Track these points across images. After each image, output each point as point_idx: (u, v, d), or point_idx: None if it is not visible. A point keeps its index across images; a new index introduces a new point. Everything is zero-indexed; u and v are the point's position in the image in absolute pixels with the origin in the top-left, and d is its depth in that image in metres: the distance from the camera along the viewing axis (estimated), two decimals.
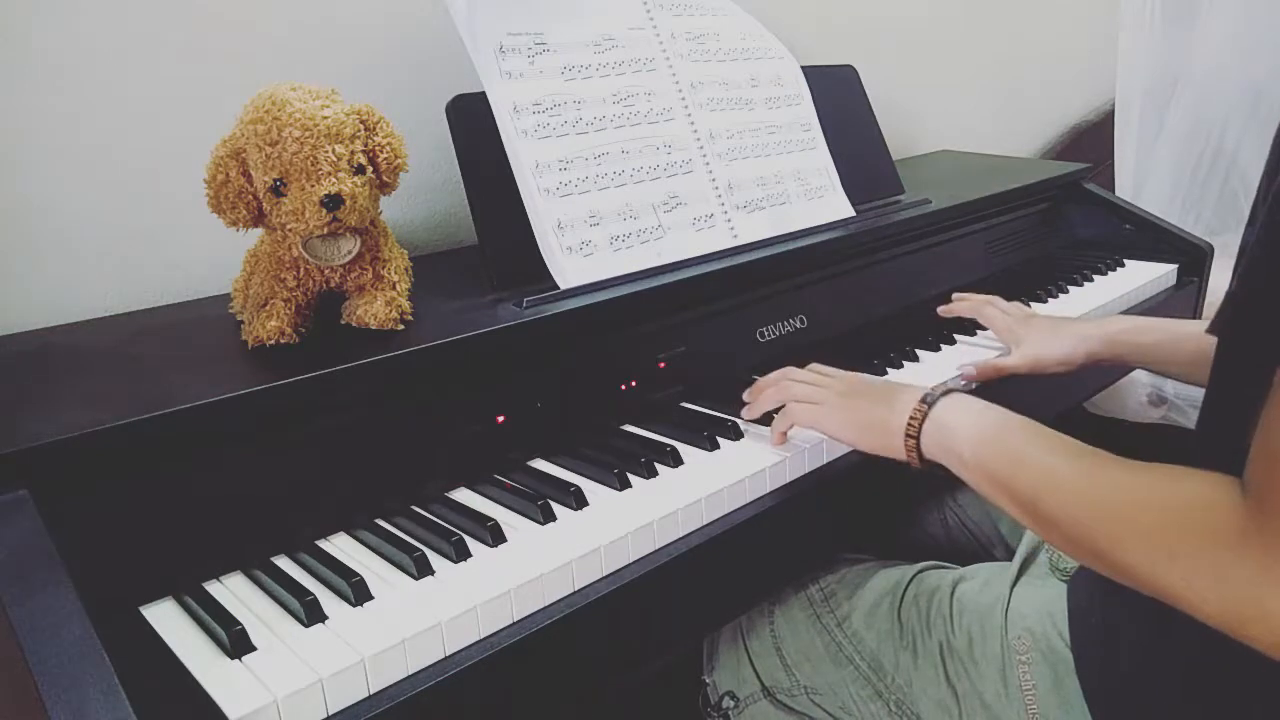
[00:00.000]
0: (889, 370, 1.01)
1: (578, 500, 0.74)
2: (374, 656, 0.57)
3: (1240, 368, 0.61)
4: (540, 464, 0.83)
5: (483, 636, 0.62)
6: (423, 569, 0.66)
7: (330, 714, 0.56)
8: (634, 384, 0.91)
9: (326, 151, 0.74)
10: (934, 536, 1.10)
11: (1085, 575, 0.77)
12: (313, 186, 0.74)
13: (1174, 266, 1.40)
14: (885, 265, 1.17)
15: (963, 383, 1.01)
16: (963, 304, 1.11)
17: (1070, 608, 0.76)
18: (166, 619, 0.62)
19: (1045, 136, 2.14)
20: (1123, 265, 1.41)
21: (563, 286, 0.89)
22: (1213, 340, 0.64)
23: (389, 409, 0.76)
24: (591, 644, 0.69)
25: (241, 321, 0.81)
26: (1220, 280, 1.43)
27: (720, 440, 0.85)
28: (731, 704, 0.95)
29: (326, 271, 0.80)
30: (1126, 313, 1.27)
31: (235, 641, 0.58)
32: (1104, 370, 1.34)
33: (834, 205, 1.14)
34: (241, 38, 0.99)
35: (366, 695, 0.57)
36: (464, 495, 0.78)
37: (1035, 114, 2.11)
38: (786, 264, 1.04)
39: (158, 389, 0.69)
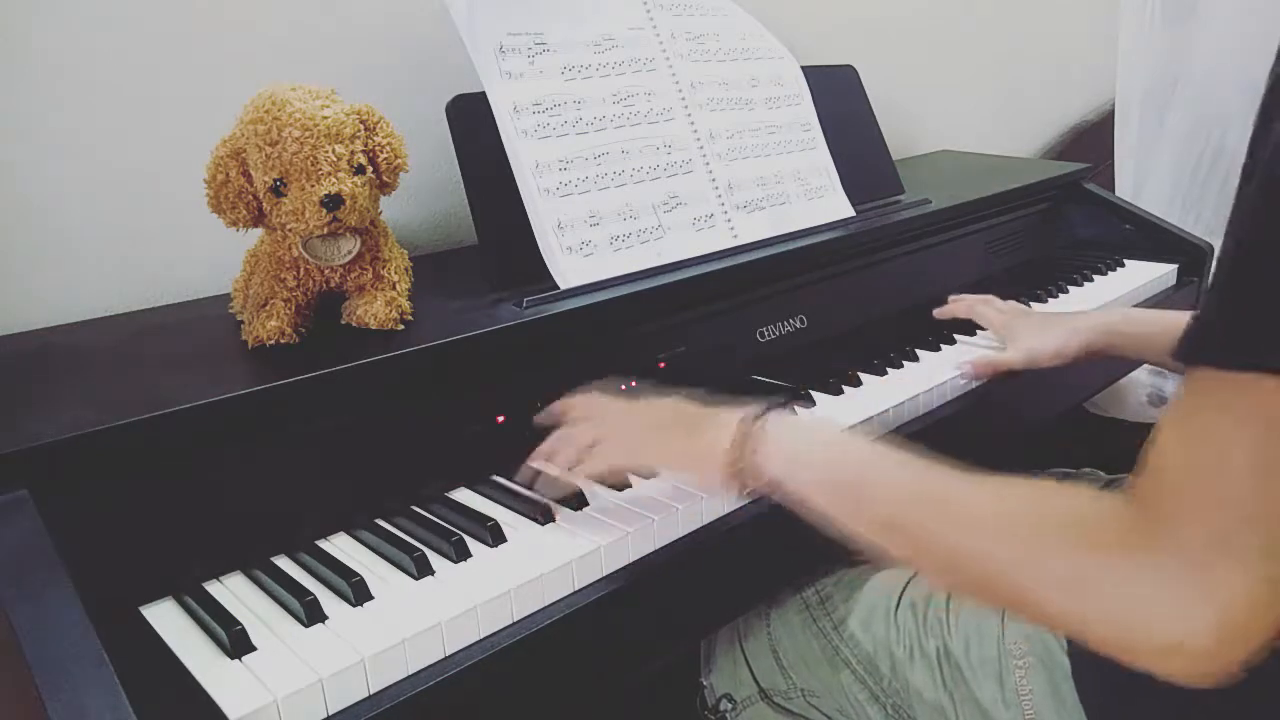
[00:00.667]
0: (889, 370, 1.01)
1: (578, 500, 0.74)
2: (374, 656, 0.57)
3: None
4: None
5: (483, 636, 0.62)
6: (423, 569, 0.66)
7: (330, 714, 0.56)
8: (634, 384, 0.91)
9: (326, 151, 0.74)
10: None
11: None
12: (313, 186, 0.74)
13: (1174, 266, 1.40)
14: (885, 265, 1.17)
15: (962, 380, 1.01)
16: (959, 305, 1.11)
17: None
18: (166, 619, 0.62)
19: (1045, 136, 2.14)
20: (1123, 265, 1.41)
21: (563, 286, 0.89)
22: None
23: (389, 409, 0.76)
24: (591, 644, 0.69)
25: (241, 321, 0.81)
26: None
27: None
28: (729, 706, 0.95)
29: (326, 271, 0.80)
30: None
31: (235, 641, 0.58)
32: (1104, 370, 1.34)
33: (834, 205, 1.14)
34: (241, 38, 0.99)
35: (366, 695, 0.57)
36: (464, 495, 0.78)
37: (1035, 114, 2.11)
38: (786, 264, 1.04)
39: (158, 389, 0.69)
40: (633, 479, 0.78)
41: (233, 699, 0.54)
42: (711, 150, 1.04)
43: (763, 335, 1.02)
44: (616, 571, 0.69)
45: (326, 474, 0.73)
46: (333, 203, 0.74)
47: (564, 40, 0.96)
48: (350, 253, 0.79)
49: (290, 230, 0.76)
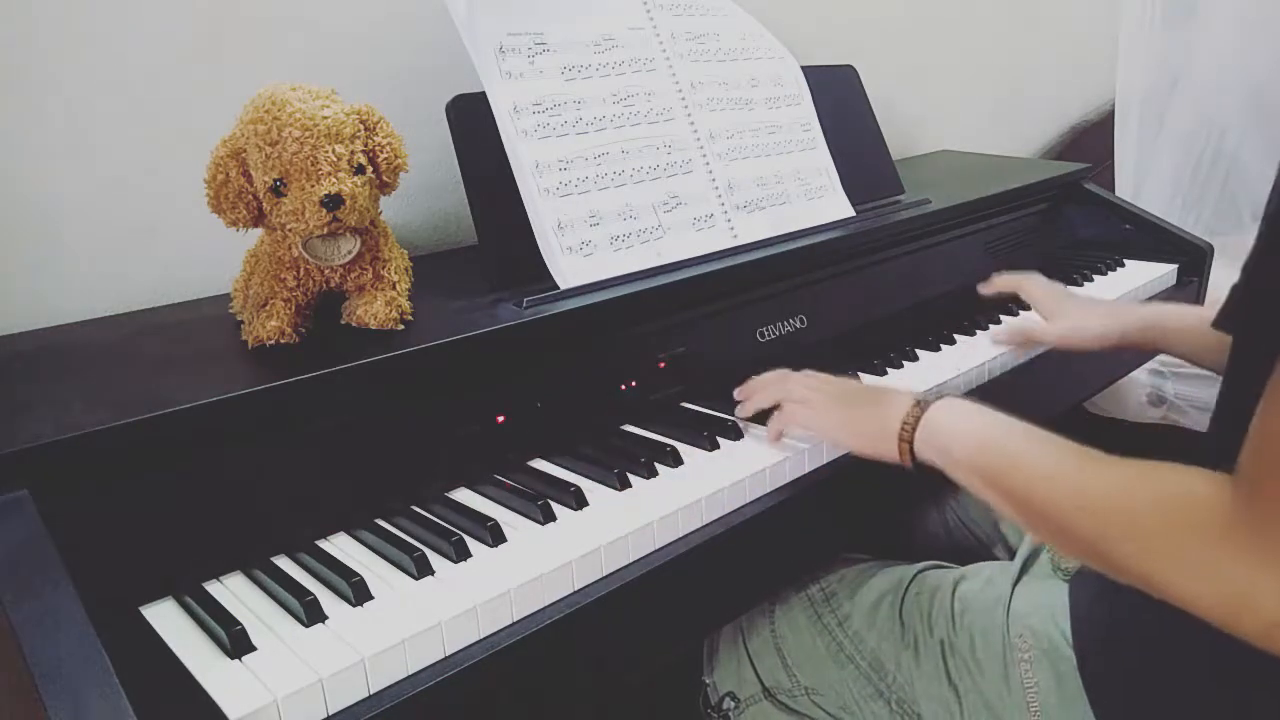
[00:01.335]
0: (889, 370, 1.01)
1: (578, 500, 0.74)
2: (374, 656, 0.57)
3: (1245, 361, 0.61)
4: (540, 464, 0.83)
5: (483, 636, 0.62)
6: (423, 569, 0.66)
7: (330, 714, 0.55)
8: (634, 384, 0.91)
9: (326, 151, 0.74)
10: (935, 536, 1.10)
11: (1087, 574, 0.77)
12: (313, 186, 0.74)
13: (1174, 266, 1.40)
14: (885, 265, 1.17)
15: (997, 348, 1.02)
16: (1003, 280, 1.12)
17: (1072, 606, 0.76)
18: (166, 619, 0.62)
19: (1045, 136, 2.14)
20: (1123, 265, 1.41)
21: (563, 286, 0.89)
22: None
23: (389, 409, 0.76)
24: (591, 644, 0.69)
25: (241, 321, 0.81)
26: (1220, 280, 1.43)
27: (720, 440, 0.85)
28: (732, 705, 0.95)
29: (326, 271, 0.80)
30: None
31: (235, 641, 0.58)
32: (1104, 370, 1.34)
33: (834, 205, 1.14)
34: (242, 37, 0.99)
35: (366, 695, 0.57)
36: (464, 495, 0.78)
37: (1035, 114, 2.11)
38: (786, 264, 1.04)
39: (158, 389, 0.69)
40: (633, 478, 0.78)
41: (233, 699, 0.53)
42: (711, 150, 1.04)
43: (763, 335, 1.02)
44: (617, 571, 0.69)
45: (326, 474, 0.73)
46: (333, 203, 0.74)
47: (564, 40, 0.96)
48: (350, 253, 0.79)
49: (290, 230, 0.76)
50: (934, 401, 0.75)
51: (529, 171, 0.89)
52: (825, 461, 0.84)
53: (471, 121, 0.90)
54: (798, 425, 0.82)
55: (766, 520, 0.78)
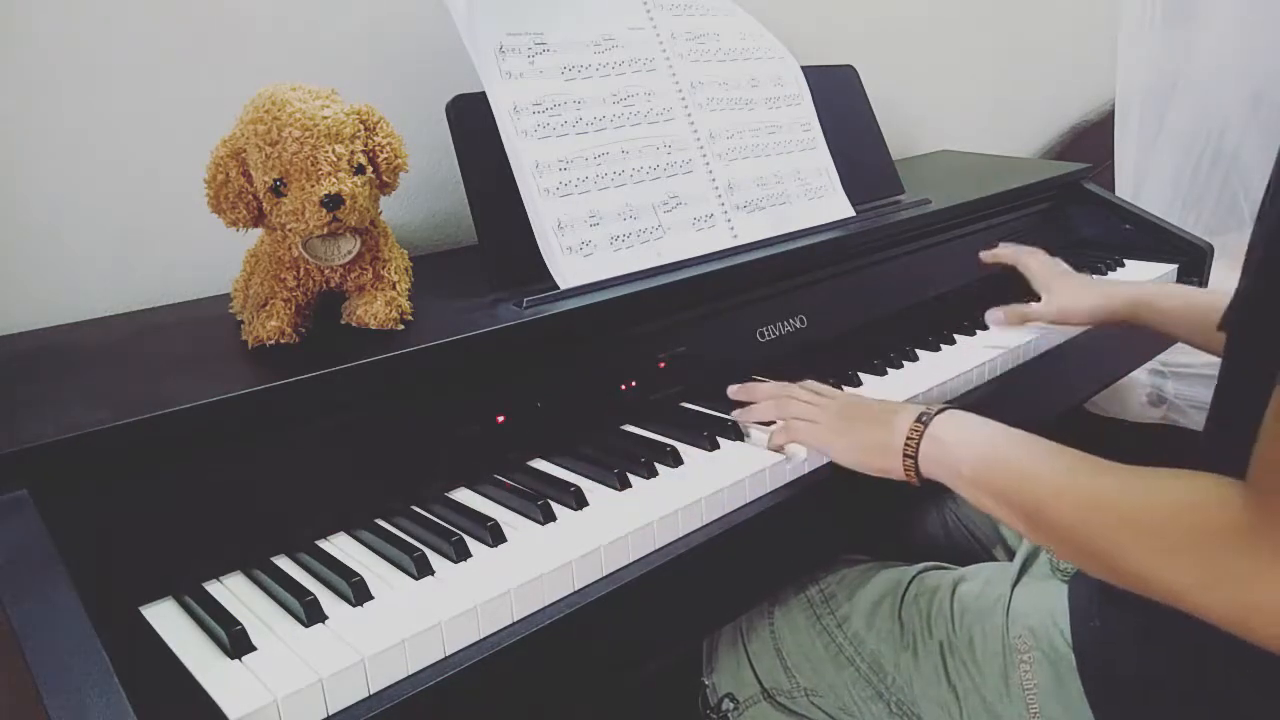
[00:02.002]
0: (889, 370, 1.01)
1: (578, 500, 0.74)
2: (374, 656, 0.57)
3: (1249, 363, 0.61)
4: (540, 464, 0.83)
5: (483, 636, 0.62)
6: (423, 569, 0.66)
7: (330, 714, 0.55)
8: (634, 384, 0.91)
9: (326, 151, 0.74)
10: (934, 537, 1.10)
11: (1086, 576, 0.77)
12: (313, 186, 0.74)
13: (1174, 266, 1.40)
14: (885, 265, 1.17)
15: (996, 326, 1.04)
16: (1005, 250, 1.13)
17: (1071, 608, 0.76)
18: (166, 619, 0.62)
19: (1045, 136, 2.14)
20: (1123, 265, 1.41)
21: (563, 286, 0.89)
22: None
23: (389, 409, 0.76)
24: (591, 644, 0.69)
25: (241, 321, 0.81)
26: (1220, 280, 1.43)
27: (720, 440, 0.85)
28: (731, 706, 0.95)
29: (326, 271, 0.80)
30: None
31: (235, 641, 0.58)
32: (1104, 370, 1.34)
33: (834, 205, 1.14)
34: (241, 38, 0.99)
35: (366, 695, 0.57)
36: (464, 495, 0.78)
37: (1035, 114, 2.11)
38: (786, 264, 1.04)
39: (158, 389, 0.69)
40: (633, 478, 0.78)
41: (233, 699, 0.53)
42: (711, 150, 1.04)
43: (763, 335, 1.02)
44: (617, 571, 0.69)
45: (326, 474, 0.73)
46: (333, 203, 0.74)
47: (564, 40, 0.96)
48: (350, 253, 0.79)
49: (290, 230, 0.76)
50: (936, 416, 0.74)
51: (529, 171, 0.89)
52: (825, 462, 0.84)
53: (471, 121, 0.90)
54: (800, 443, 0.82)
55: (766, 520, 0.78)
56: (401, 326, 0.81)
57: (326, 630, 0.60)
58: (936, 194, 1.26)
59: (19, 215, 0.89)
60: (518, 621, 0.64)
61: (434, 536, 0.69)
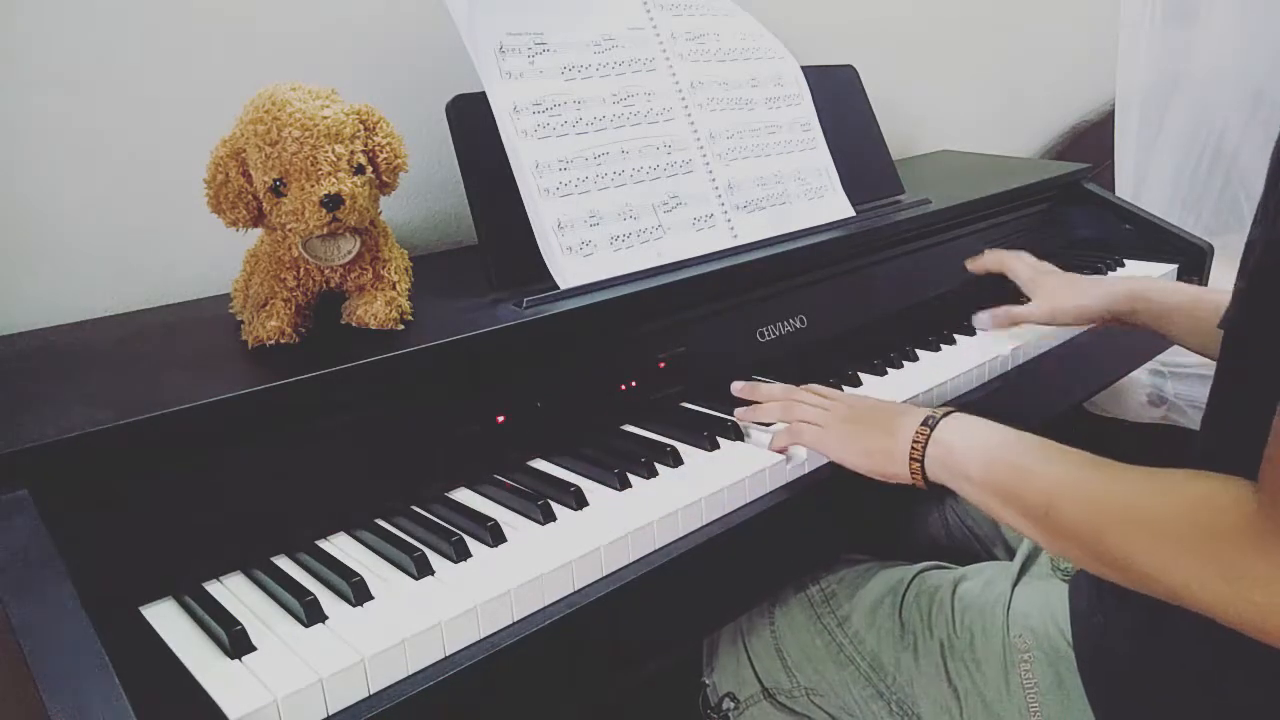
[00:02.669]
0: (889, 370, 1.01)
1: (578, 500, 0.74)
2: (374, 656, 0.57)
3: (1248, 363, 0.60)
4: (540, 464, 0.83)
5: (483, 636, 0.62)
6: (423, 569, 0.66)
7: (330, 714, 0.55)
8: (634, 384, 0.91)
9: (326, 151, 0.74)
10: (934, 536, 1.10)
11: (1087, 575, 0.77)
12: (313, 186, 0.74)
13: (1174, 266, 1.40)
14: (885, 265, 1.17)
15: (983, 331, 1.04)
16: (991, 257, 1.13)
17: (1072, 607, 0.76)
18: (166, 619, 0.62)
19: (1045, 136, 2.14)
20: (1123, 265, 1.41)
21: (563, 286, 0.89)
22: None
23: (389, 409, 0.76)
24: (591, 644, 0.69)
25: (241, 321, 0.81)
26: (1220, 280, 1.43)
27: (720, 440, 0.85)
28: (731, 705, 0.95)
29: (326, 271, 0.80)
30: None
31: (235, 641, 0.58)
32: (1104, 370, 1.34)
33: (834, 205, 1.14)
34: (241, 37, 0.99)
35: (366, 695, 0.57)
36: (464, 495, 0.78)
37: (1035, 114, 2.11)
38: (786, 264, 1.04)
39: (158, 389, 0.69)
40: (633, 478, 0.78)
41: (233, 699, 0.53)
42: (711, 150, 1.04)
43: (763, 335, 1.02)
44: (617, 571, 0.69)
45: (326, 474, 0.73)
46: (333, 203, 0.74)
47: (564, 40, 0.96)
48: (350, 253, 0.79)
49: (290, 230, 0.76)
50: (941, 420, 0.74)
51: (529, 171, 0.89)
52: (825, 461, 0.84)
53: (471, 121, 0.90)
54: (804, 445, 0.82)
55: (766, 520, 0.78)
56: (401, 326, 0.81)
57: (326, 630, 0.60)
58: (936, 194, 1.26)
59: (19, 215, 0.89)
60: (518, 621, 0.64)
61: (434, 536, 0.69)
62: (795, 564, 0.89)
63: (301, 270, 0.79)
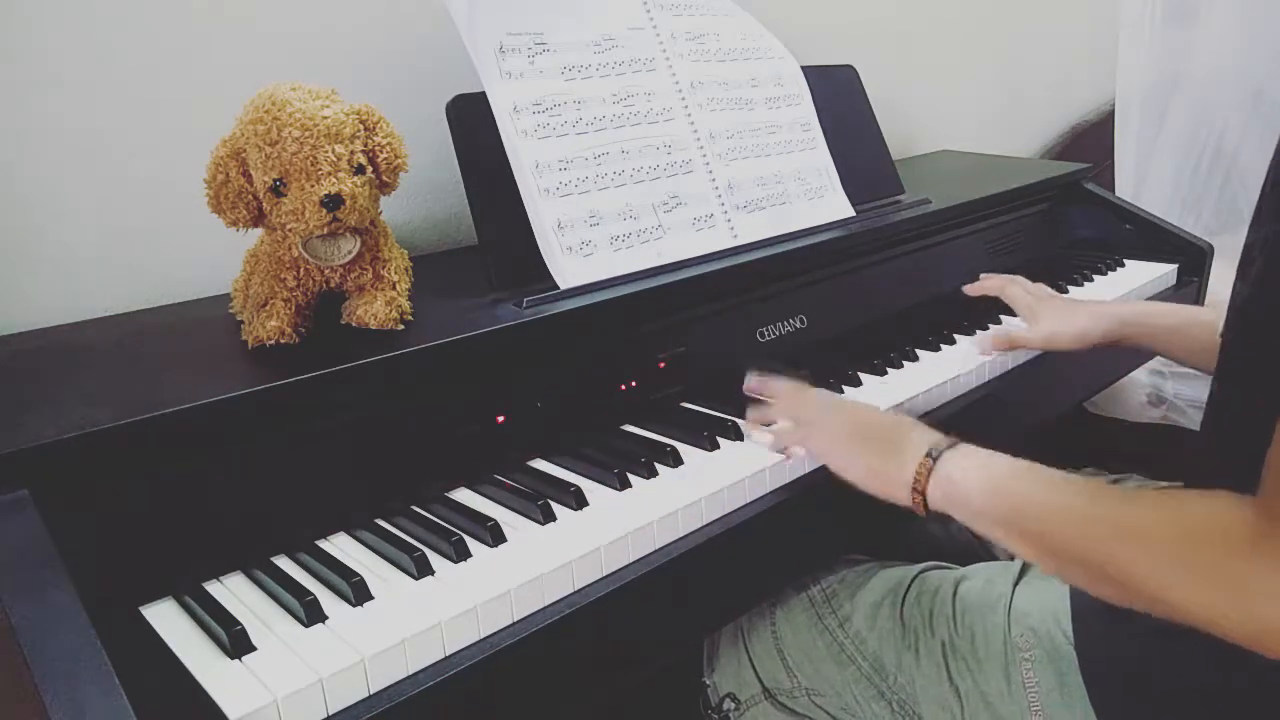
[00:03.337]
0: (889, 370, 1.01)
1: (578, 500, 0.74)
2: (374, 656, 0.57)
3: (1252, 374, 0.60)
4: (540, 464, 0.83)
5: (482, 636, 0.62)
6: (423, 569, 0.66)
7: (330, 714, 0.55)
8: (634, 384, 0.91)
9: (326, 151, 0.74)
10: (934, 536, 1.10)
11: None
12: (313, 186, 0.74)
13: (1174, 266, 1.40)
14: (885, 265, 1.17)
15: (982, 356, 1.03)
16: (989, 283, 1.13)
17: (1073, 607, 0.76)
18: (166, 619, 0.62)
19: (1045, 136, 2.14)
20: (1123, 265, 1.41)
21: (563, 286, 0.89)
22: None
23: (389, 409, 0.76)
24: (591, 644, 0.69)
25: (241, 321, 0.81)
26: (1220, 280, 1.43)
27: (720, 440, 0.85)
28: (732, 706, 0.95)
29: (326, 271, 0.80)
30: None
31: (235, 641, 0.58)
32: (1104, 370, 1.34)
33: (834, 205, 1.14)
34: (241, 37, 0.99)
35: (366, 695, 0.57)
36: (464, 495, 0.78)
37: (1035, 114, 2.11)
38: (786, 264, 1.04)
39: (158, 389, 0.69)
40: (633, 478, 0.78)
41: (233, 699, 0.53)
42: (711, 150, 1.04)
43: (763, 335, 1.02)
44: (617, 571, 0.69)
45: (326, 474, 0.73)
46: (333, 203, 0.74)
47: (564, 40, 0.96)
48: (350, 253, 0.79)
49: (290, 230, 0.76)
50: (945, 452, 0.73)
51: (529, 171, 0.89)
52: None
53: (471, 121, 0.90)
54: (807, 450, 0.82)
55: (766, 520, 0.78)
56: (401, 326, 0.81)
57: (326, 630, 0.60)
58: (936, 194, 1.26)
59: (19, 215, 0.89)
60: (518, 621, 0.64)
61: (434, 536, 0.69)
62: (795, 564, 0.89)
63: (301, 270, 0.79)
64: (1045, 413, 1.18)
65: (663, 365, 0.93)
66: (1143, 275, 1.37)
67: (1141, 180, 1.77)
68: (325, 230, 0.76)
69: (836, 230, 1.10)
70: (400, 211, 1.13)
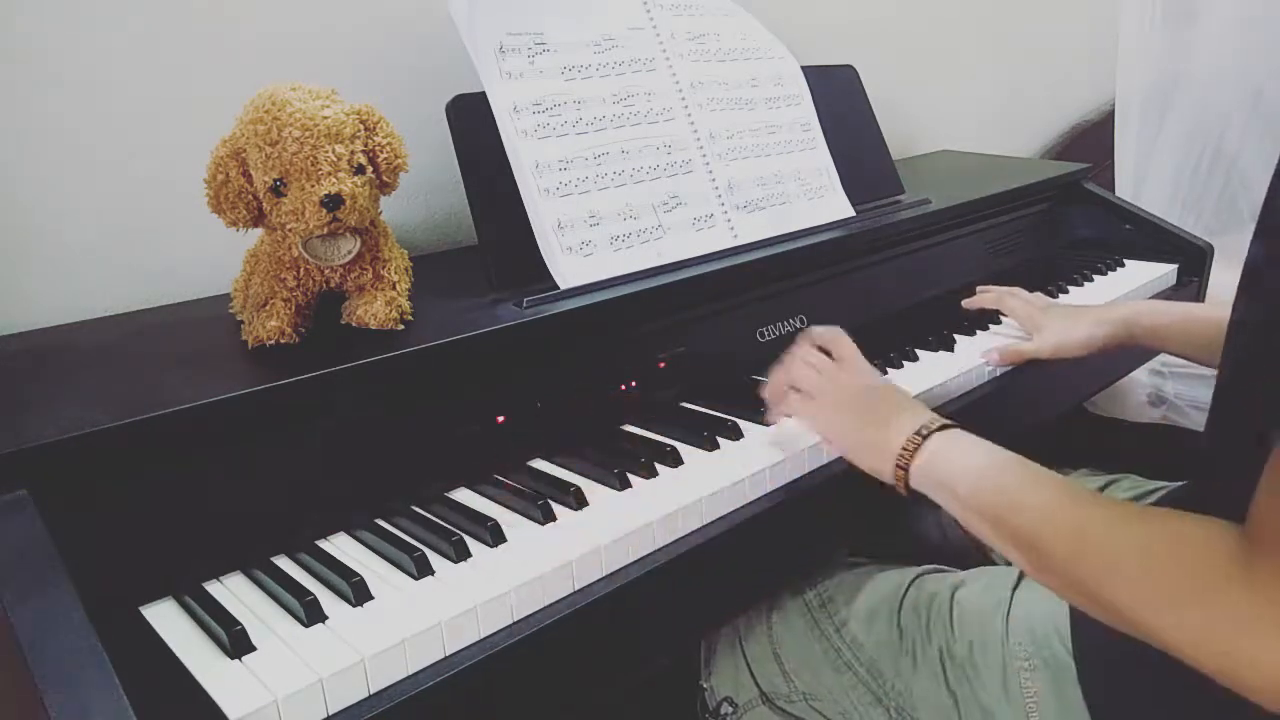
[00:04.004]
0: (889, 370, 1.01)
1: (578, 500, 0.74)
2: (374, 656, 0.57)
3: (1255, 397, 0.60)
4: (540, 464, 0.83)
5: (482, 636, 0.62)
6: (423, 569, 0.66)
7: (330, 714, 0.55)
8: (634, 384, 0.91)
9: (326, 151, 0.74)
10: (931, 539, 1.10)
11: None
12: (313, 186, 0.74)
13: (1174, 266, 1.40)
14: (885, 265, 1.17)
15: (988, 367, 1.03)
16: (987, 296, 1.13)
17: (1072, 614, 0.76)
18: (166, 619, 0.62)
19: (1045, 136, 2.14)
20: (1123, 265, 1.41)
21: (562, 286, 0.89)
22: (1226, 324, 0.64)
23: (389, 409, 0.76)
24: (591, 644, 0.69)
25: (241, 321, 0.81)
26: (1219, 279, 1.43)
27: (720, 440, 0.85)
28: (730, 709, 0.95)
29: (326, 271, 0.80)
30: None
31: (235, 641, 0.58)
32: (1104, 370, 1.34)
33: (834, 205, 1.14)
34: (241, 37, 0.99)
35: (366, 695, 0.57)
36: (464, 495, 0.78)
37: (1035, 114, 2.11)
38: (786, 264, 1.04)
39: (158, 389, 0.69)
40: (633, 478, 0.78)
41: (233, 699, 0.53)
42: (711, 150, 1.04)
43: (763, 335, 1.02)
44: (616, 571, 0.69)
45: (326, 474, 0.73)
46: (333, 203, 0.74)
47: (564, 40, 0.96)
48: (350, 253, 0.79)
49: (290, 230, 0.76)
50: (936, 432, 0.73)
51: (529, 171, 0.89)
52: (825, 462, 0.84)
53: (471, 121, 0.90)
54: (797, 417, 0.82)
55: (766, 521, 0.78)
56: (401, 326, 0.81)
57: (326, 630, 0.60)
58: (936, 194, 1.26)
59: (19, 215, 0.89)
60: (518, 621, 0.64)
61: (434, 536, 0.69)
62: (795, 564, 0.89)
63: (301, 270, 0.79)
64: (1045, 413, 1.18)
65: (663, 365, 0.93)
66: (1143, 275, 1.37)
67: (1141, 180, 1.77)
68: (325, 230, 0.76)
69: (836, 230, 1.10)
70: (400, 211, 1.13)
